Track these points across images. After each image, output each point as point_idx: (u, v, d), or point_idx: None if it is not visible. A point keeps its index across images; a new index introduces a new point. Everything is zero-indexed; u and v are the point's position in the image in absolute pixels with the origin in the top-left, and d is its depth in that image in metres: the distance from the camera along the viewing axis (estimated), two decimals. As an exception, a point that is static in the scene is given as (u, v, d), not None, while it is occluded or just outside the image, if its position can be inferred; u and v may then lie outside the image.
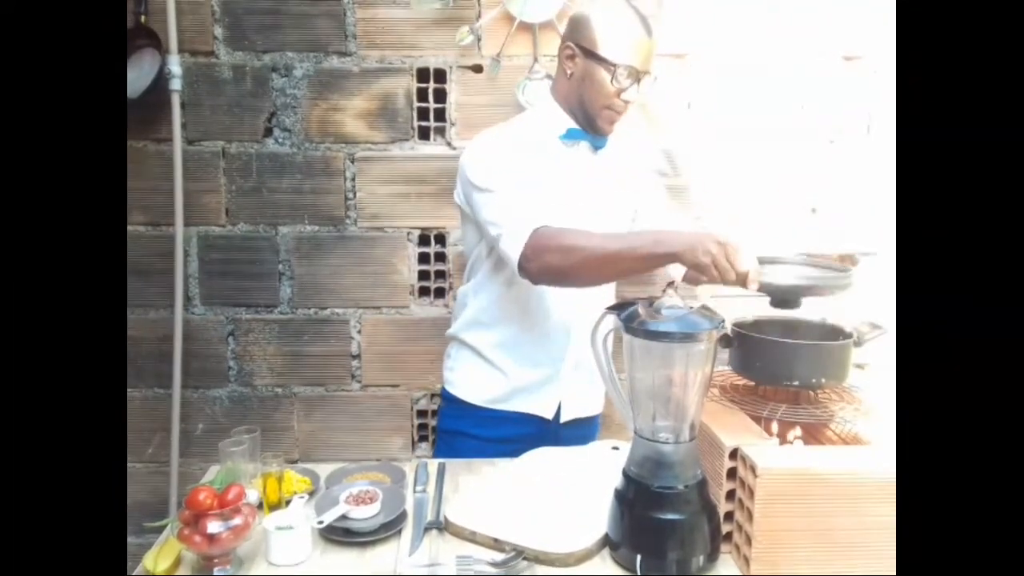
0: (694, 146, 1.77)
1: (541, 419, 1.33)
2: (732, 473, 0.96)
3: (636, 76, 1.20)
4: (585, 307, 1.24)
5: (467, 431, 1.34)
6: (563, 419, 1.34)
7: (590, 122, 1.26)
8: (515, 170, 1.21)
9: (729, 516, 0.98)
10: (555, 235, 1.09)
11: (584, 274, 1.09)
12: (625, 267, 1.06)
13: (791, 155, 1.78)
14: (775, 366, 1.05)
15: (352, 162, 1.74)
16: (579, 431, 1.36)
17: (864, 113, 1.78)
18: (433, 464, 1.23)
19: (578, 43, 1.23)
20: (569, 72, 1.25)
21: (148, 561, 0.95)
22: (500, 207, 1.16)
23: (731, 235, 0.96)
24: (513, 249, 1.11)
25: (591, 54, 1.21)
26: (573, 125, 1.28)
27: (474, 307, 1.34)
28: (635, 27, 1.20)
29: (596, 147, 1.30)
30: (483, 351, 1.33)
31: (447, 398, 1.39)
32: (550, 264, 1.08)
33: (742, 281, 0.95)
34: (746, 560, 0.93)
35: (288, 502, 1.06)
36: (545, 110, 1.30)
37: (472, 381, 1.35)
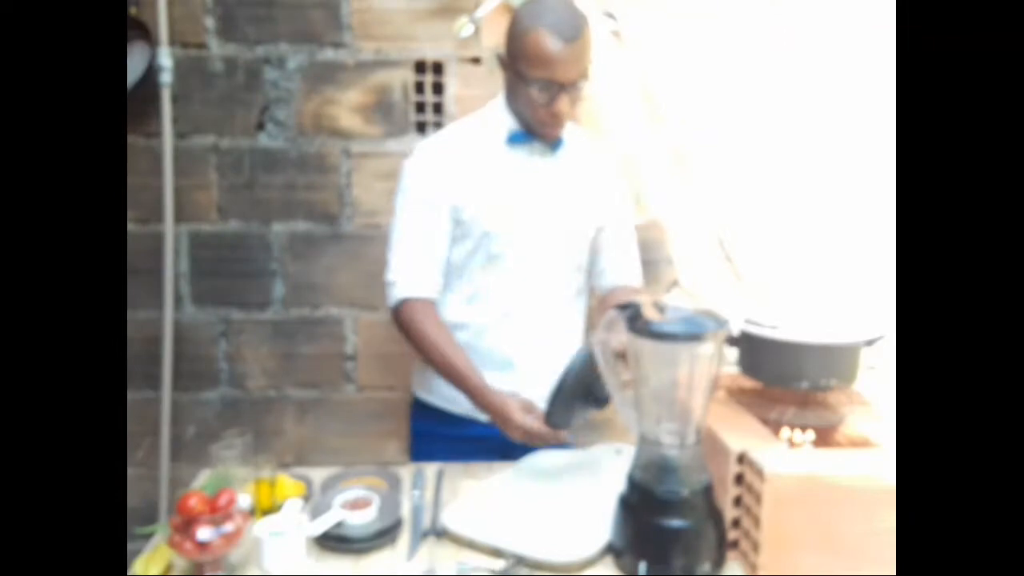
0: (699, 142, 1.75)
1: None
2: (739, 478, 0.94)
3: (556, 89, 1.12)
4: (541, 313, 1.25)
5: (437, 432, 1.32)
6: None
7: (532, 129, 1.20)
8: (423, 207, 1.20)
9: (736, 522, 0.96)
10: (414, 319, 1.20)
11: (425, 360, 1.24)
12: (455, 384, 1.19)
13: (796, 153, 1.76)
14: (783, 367, 1.03)
15: (347, 157, 1.71)
16: None
17: (864, 113, 1.76)
18: (430, 469, 1.20)
19: (505, 51, 1.17)
20: (505, 78, 1.20)
21: (138, 567, 0.93)
22: (396, 238, 1.23)
23: (524, 412, 1.11)
24: (389, 297, 1.23)
25: (511, 65, 1.16)
26: (519, 128, 1.22)
27: None
28: (551, 36, 1.09)
29: (551, 149, 1.23)
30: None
31: (416, 400, 1.37)
32: (407, 337, 1.23)
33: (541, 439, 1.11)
34: (753, 567, 0.91)
35: (281, 508, 1.04)
36: (495, 112, 1.25)
37: (434, 386, 1.32)
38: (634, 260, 1.37)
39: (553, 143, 1.23)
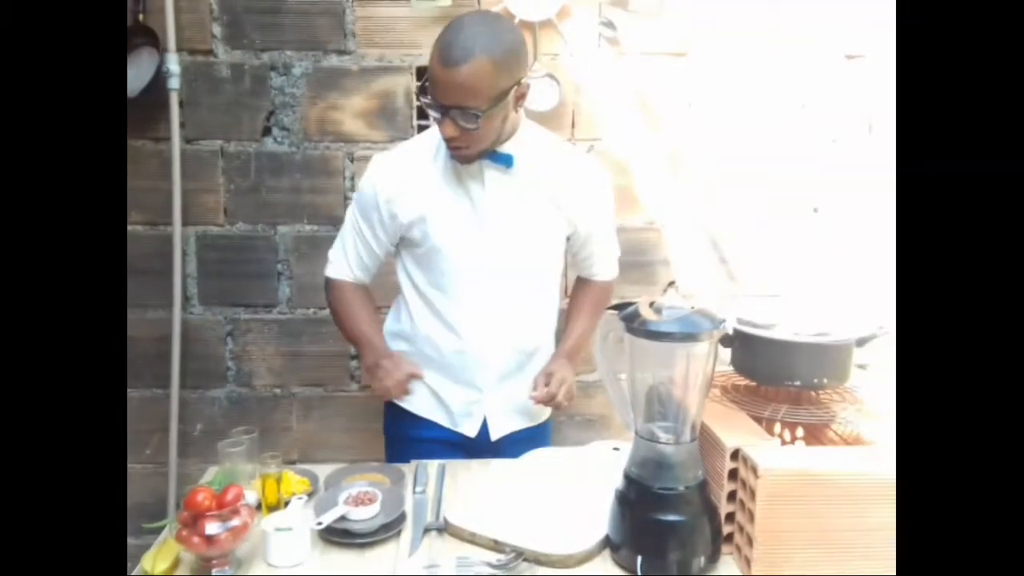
0: (694, 146, 1.76)
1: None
2: (733, 474, 0.96)
3: (440, 110, 1.09)
4: (501, 325, 1.25)
5: (407, 434, 1.33)
6: (493, 438, 1.29)
7: None
8: (367, 210, 1.25)
9: (730, 517, 0.98)
10: (332, 293, 1.35)
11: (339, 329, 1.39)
12: (355, 344, 1.41)
13: (792, 154, 1.78)
14: (776, 366, 1.05)
15: (351, 161, 1.73)
16: (520, 436, 1.31)
17: (865, 112, 1.77)
18: (432, 465, 1.22)
19: None
20: None
21: (146, 562, 0.95)
22: (341, 232, 1.33)
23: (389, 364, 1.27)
24: (325, 272, 1.35)
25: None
26: None
27: (392, 319, 1.36)
28: (436, 57, 1.07)
29: (503, 164, 1.19)
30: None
31: (386, 404, 1.37)
32: (330, 310, 1.38)
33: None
34: (747, 561, 0.92)
35: (287, 503, 1.06)
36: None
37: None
38: (613, 251, 1.38)
39: (501, 159, 1.18)
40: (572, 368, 1.30)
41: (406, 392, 1.29)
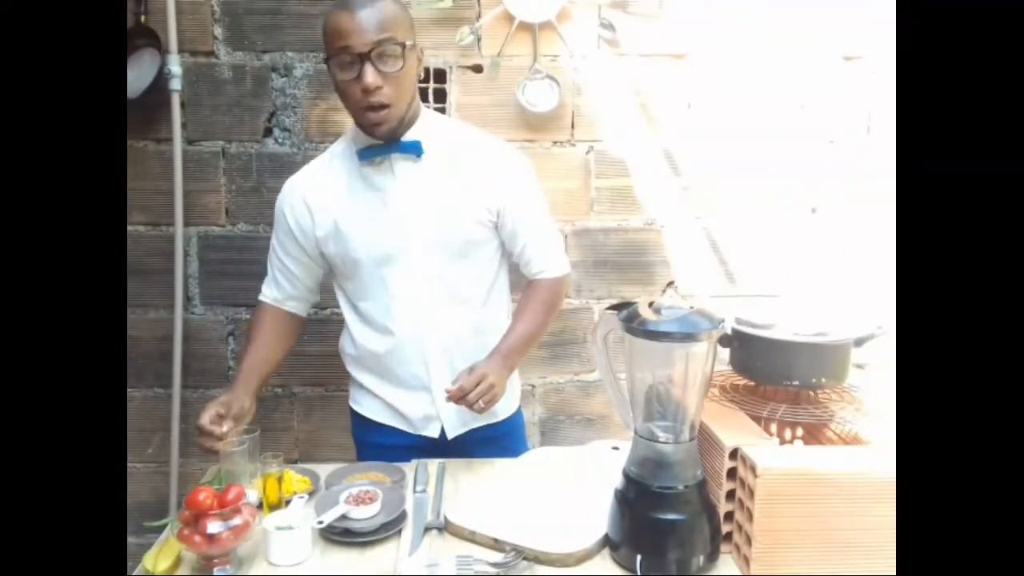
0: (694, 146, 1.77)
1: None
2: (732, 473, 0.96)
3: (359, 58, 1.06)
4: (437, 325, 1.22)
5: (371, 441, 1.32)
6: (449, 436, 1.28)
7: (365, 130, 1.14)
8: (281, 230, 1.26)
9: (729, 516, 0.98)
10: (253, 319, 1.33)
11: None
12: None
13: (791, 155, 1.78)
14: (775, 366, 1.05)
15: (352, 162, 1.74)
16: (484, 435, 1.29)
17: (864, 113, 1.78)
18: (433, 464, 1.23)
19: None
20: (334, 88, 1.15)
21: (148, 561, 0.95)
22: (269, 253, 1.32)
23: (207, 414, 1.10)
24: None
25: (326, 60, 1.12)
26: (372, 142, 1.17)
27: (344, 341, 1.34)
28: (338, 12, 1.07)
29: (411, 154, 1.17)
30: (355, 373, 1.33)
31: (350, 410, 1.37)
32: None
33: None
34: (746, 560, 0.93)
35: (288, 502, 1.06)
36: (347, 135, 1.25)
37: (359, 397, 1.34)
38: (551, 244, 1.28)
39: (410, 147, 1.16)
40: (505, 368, 1.17)
41: (210, 449, 1.10)
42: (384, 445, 1.29)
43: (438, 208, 1.19)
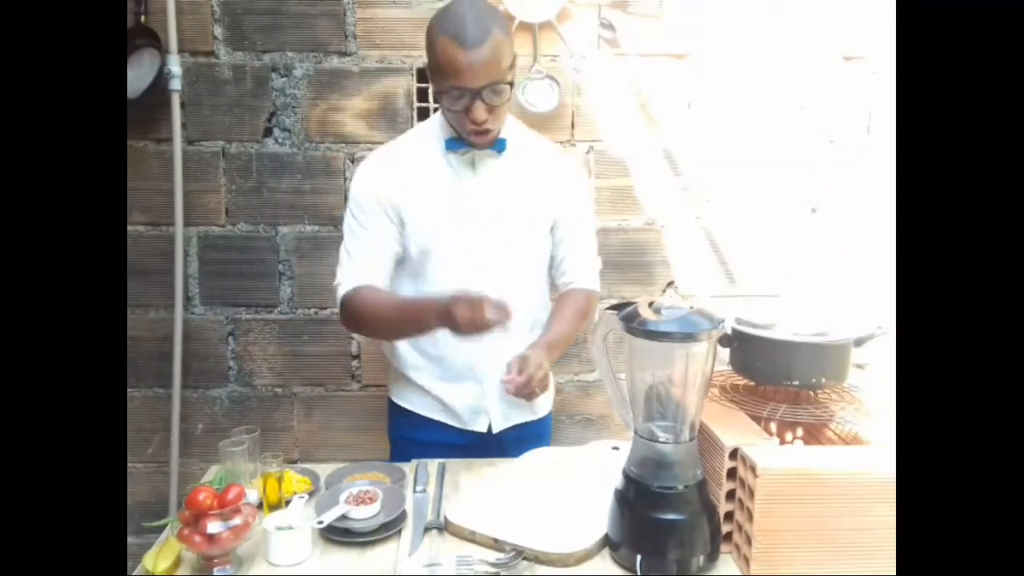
0: (694, 146, 1.77)
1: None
2: (732, 473, 0.96)
3: (469, 95, 1.09)
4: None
5: (412, 437, 1.34)
6: (495, 430, 1.30)
7: (463, 137, 1.18)
8: (368, 211, 1.21)
9: (729, 516, 0.98)
10: (351, 303, 1.21)
11: (373, 336, 1.30)
12: (403, 333, 1.25)
13: (791, 155, 1.78)
14: (775, 366, 1.05)
15: (352, 162, 1.74)
16: (522, 434, 1.32)
17: (864, 113, 1.78)
18: (433, 464, 1.23)
19: (427, 63, 1.15)
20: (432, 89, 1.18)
21: (148, 561, 0.95)
22: (343, 249, 1.26)
23: (470, 294, 1.05)
24: (336, 299, 1.25)
25: (431, 78, 1.15)
26: (454, 135, 1.19)
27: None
28: (453, 44, 1.06)
29: (494, 150, 1.20)
30: (403, 368, 1.33)
31: (391, 406, 1.38)
32: (350, 327, 1.27)
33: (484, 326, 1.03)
34: (746, 560, 0.93)
35: (288, 502, 1.06)
36: (434, 120, 1.26)
37: (404, 393, 1.35)
38: (591, 259, 1.34)
39: (496, 145, 1.20)
40: (548, 360, 1.19)
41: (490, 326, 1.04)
42: (426, 442, 1.30)
43: (509, 204, 1.23)
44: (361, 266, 1.22)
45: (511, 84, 1.14)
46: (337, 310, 1.26)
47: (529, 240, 1.26)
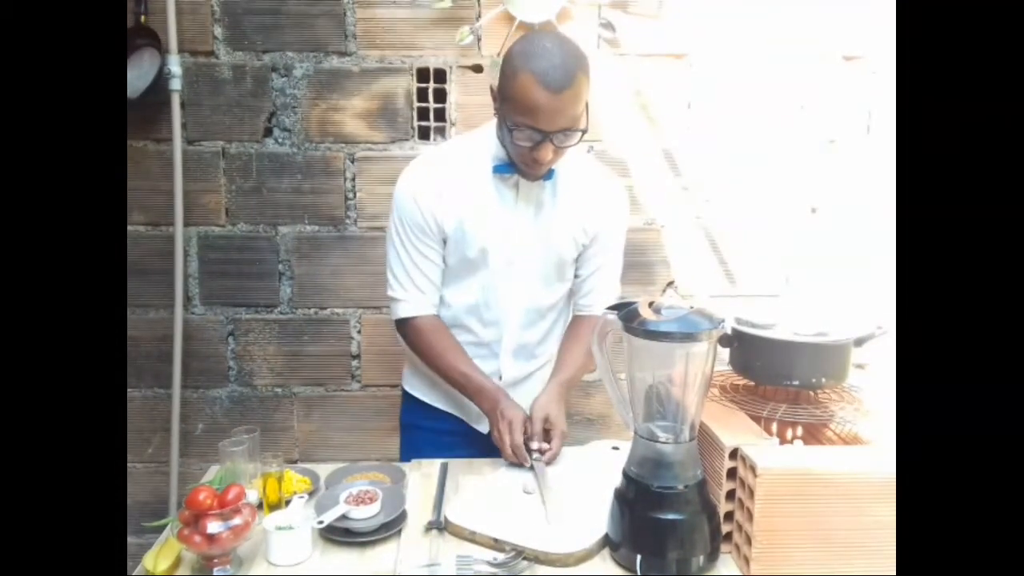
0: (694, 146, 1.77)
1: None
2: (732, 473, 0.96)
3: (540, 137, 1.06)
4: (517, 331, 1.28)
5: (420, 424, 1.37)
6: None
7: (514, 164, 1.15)
8: (415, 228, 1.21)
9: (729, 516, 0.98)
10: (415, 331, 1.26)
11: (432, 369, 1.30)
12: (452, 386, 1.27)
13: (791, 155, 1.78)
14: (775, 366, 1.05)
15: (352, 162, 1.74)
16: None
17: (864, 113, 1.78)
18: (433, 464, 1.23)
19: (497, 86, 1.11)
20: (495, 110, 1.14)
21: (148, 561, 0.95)
22: (393, 257, 1.26)
23: (513, 416, 1.17)
24: (394, 312, 1.28)
25: (500, 102, 1.10)
26: (505, 160, 1.17)
27: None
28: (538, 84, 1.02)
29: (544, 179, 1.18)
30: (415, 359, 1.34)
31: (404, 393, 1.42)
32: (412, 350, 1.30)
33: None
34: (746, 560, 0.93)
35: (288, 502, 1.06)
36: (484, 137, 1.21)
37: (416, 382, 1.39)
38: (613, 287, 1.32)
39: (545, 176, 1.18)
40: (564, 402, 1.23)
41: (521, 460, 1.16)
42: (435, 430, 1.34)
43: (551, 224, 1.23)
44: (418, 284, 1.25)
45: (584, 131, 1.09)
46: (392, 320, 1.30)
47: (562, 258, 1.26)
